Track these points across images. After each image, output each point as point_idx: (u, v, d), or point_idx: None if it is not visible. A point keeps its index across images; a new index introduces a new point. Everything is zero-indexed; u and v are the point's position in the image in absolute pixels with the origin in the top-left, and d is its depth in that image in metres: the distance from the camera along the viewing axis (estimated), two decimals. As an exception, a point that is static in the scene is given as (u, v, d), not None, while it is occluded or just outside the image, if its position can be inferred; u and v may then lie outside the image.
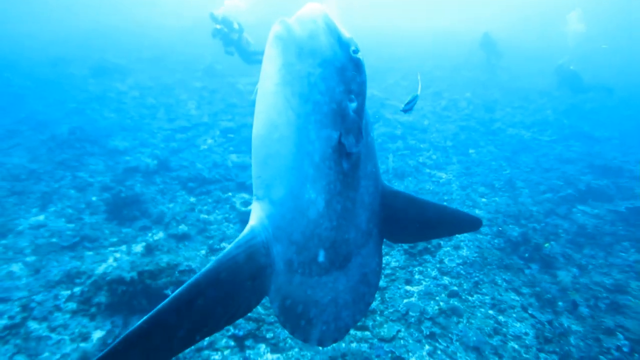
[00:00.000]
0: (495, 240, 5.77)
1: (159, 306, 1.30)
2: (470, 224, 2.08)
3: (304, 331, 1.77)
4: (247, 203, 6.10)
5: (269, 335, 3.69)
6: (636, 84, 17.57)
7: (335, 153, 1.59)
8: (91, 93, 12.08)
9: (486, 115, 11.18)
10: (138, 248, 5.32)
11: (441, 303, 4.14)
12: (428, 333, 3.67)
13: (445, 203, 6.77)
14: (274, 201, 1.60)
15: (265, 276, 1.59)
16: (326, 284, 1.76)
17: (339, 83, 1.57)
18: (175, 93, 12.80)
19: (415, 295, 4.27)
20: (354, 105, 1.61)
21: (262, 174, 1.62)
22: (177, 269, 4.24)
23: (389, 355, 3.40)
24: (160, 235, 5.68)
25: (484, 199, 6.95)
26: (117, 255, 5.15)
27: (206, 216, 6.20)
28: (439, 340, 3.61)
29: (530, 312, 4.25)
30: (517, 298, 4.47)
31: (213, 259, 1.60)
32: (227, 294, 1.45)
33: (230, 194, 6.87)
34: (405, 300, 4.15)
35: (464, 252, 5.07)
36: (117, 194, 6.19)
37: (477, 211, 6.46)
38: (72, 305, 4.04)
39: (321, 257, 1.69)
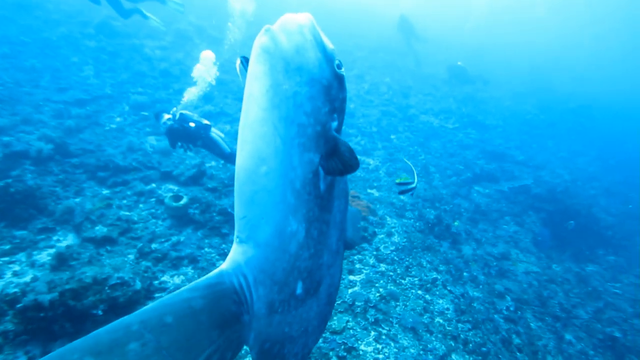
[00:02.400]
0: (417, 223, 6.52)
1: None
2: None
3: None
4: (177, 197, 5.59)
5: None
6: (510, 75, 20.96)
7: (315, 177, 1.53)
8: None
9: (403, 101, 12.10)
10: (44, 257, 4.48)
11: (381, 289, 4.59)
12: (373, 320, 4.07)
13: (375, 189, 7.30)
14: (259, 243, 1.51)
15: (241, 324, 1.48)
16: (301, 315, 1.75)
17: (325, 103, 1.48)
18: (63, 53, 10.51)
19: (358, 284, 4.63)
20: (335, 124, 1.55)
21: (247, 214, 1.50)
22: (107, 284, 3.75)
23: (342, 347, 3.69)
24: (71, 239, 4.87)
25: (406, 185, 7.71)
26: (16, 268, 4.27)
27: (128, 213, 5.50)
28: (382, 326, 4.04)
29: (448, 288, 5.03)
30: (438, 276, 5.23)
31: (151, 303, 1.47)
32: (179, 345, 1.18)
33: (154, 185, 6.18)
34: (350, 290, 4.48)
35: (396, 238, 5.62)
36: (5, 188, 5.01)
37: (401, 197, 7.14)
38: (-35, 342, 3.27)
39: (299, 289, 1.67)
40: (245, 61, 1.59)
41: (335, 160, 1.50)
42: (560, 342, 5.57)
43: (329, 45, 1.53)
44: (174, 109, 5.82)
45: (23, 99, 8.01)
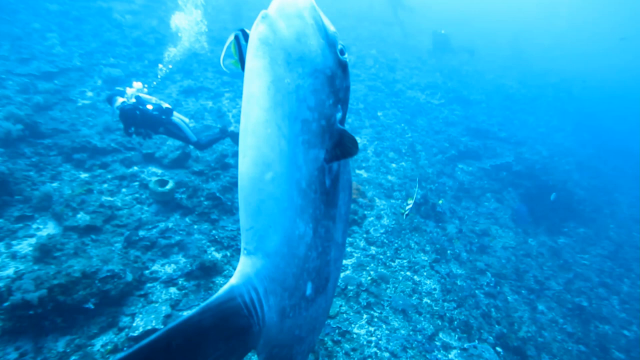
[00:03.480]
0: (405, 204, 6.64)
1: None
2: None
3: None
4: (163, 181, 5.40)
5: None
6: (495, 46, 20.90)
7: (321, 173, 1.47)
8: None
9: (389, 75, 11.90)
10: (25, 248, 4.30)
11: (371, 272, 4.72)
12: (365, 304, 4.21)
13: (363, 170, 7.31)
14: (268, 253, 1.48)
15: (251, 335, 1.51)
16: (311, 315, 1.75)
17: (329, 95, 1.41)
18: (21, 18, 9.54)
19: (349, 268, 4.73)
20: (339, 115, 1.48)
21: (254, 224, 1.46)
22: (97, 277, 3.66)
23: (336, 331, 3.82)
24: (52, 228, 4.66)
25: (394, 165, 7.75)
26: (-5, 261, 4.08)
27: (110, 198, 5.29)
28: (374, 309, 4.19)
29: (435, 268, 5.24)
30: (425, 257, 5.42)
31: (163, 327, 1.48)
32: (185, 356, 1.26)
33: (136, 168, 5.93)
34: (342, 274, 4.58)
35: (385, 220, 5.72)
36: (-28, 177, 4.69)
37: (389, 177, 7.20)
38: (-50, 343, 3.16)
39: (309, 290, 1.66)
40: (243, 35, 1.46)
41: (337, 150, 1.45)
42: (534, 312, 6.00)
43: (331, 27, 1.42)
44: (129, 89, 5.17)
45: (-19, 71, 7.32)
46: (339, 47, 1.43)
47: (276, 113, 1.32)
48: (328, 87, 1.38)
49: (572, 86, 18.29)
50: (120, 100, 5.08)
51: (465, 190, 8.49)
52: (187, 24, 11.20)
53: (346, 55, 1.44)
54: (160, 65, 8.85)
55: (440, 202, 7.24)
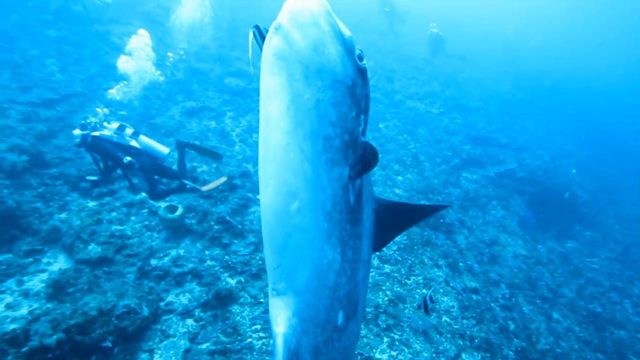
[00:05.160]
0: (413, 218, 6.63)
1: None
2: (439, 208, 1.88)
3: None
4: (172, 207, 5.36)
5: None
6: (488, 51, 21.16)
7: (345, 192, 1.38)
8: None
9: (388, 85, 11.99)
10: (37, 284, 4.23)
11: (388, 292, 4.67)
12: (385, 326, 4.16)
13: (369, 185, 7.31)
14: (298, 290, 1.38)
15: None
16: (343, 344, 1.64)
17: (351, 106, 1.30)
18: (21, 45, 9.56)
19: (365, 289, 4.69)
20: (361, 127, 1.39)
21: (282, 262, 1.36)
22: (113, 314, 3.60)
23: (358, 357, 3.76)
24: (63, 261, 4.60)
25: (400, 177, 7.75)
26: (9, 299, 4.01)
27: (120, 227, 5.24)
28: (394, 331, 4.14)
29: (451, 284, 5.20)
30: (440, 272, 5.38)
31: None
32: None
33: (144, 194, 5.87)
34: (359, 296, 4.54)
35: (397, 237, 5.69)
36: (-20, 213, 4.63)
37: (396, 190, 7.20)
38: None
39: (340, 319, 1.55)
40: (258, 32, 1.42)
41: (359, 165, 1.38)
42: (549, 322, 5.96)
43: (346, 32, 1.32)
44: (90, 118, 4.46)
45: (-17, 101, 7.30)
46: (357, 52, 1.32)
47: (297, 134, 1.23)
48: (349, 98, 1.29)
49: (566, 88, 18.52)
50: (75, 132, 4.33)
51: (471, 199, 8.49)
52: (184, 44, 11.28)
53: (365, 61, 1.35)
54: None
55: (449, 210, 7.22)
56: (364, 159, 1.37)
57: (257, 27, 1.42)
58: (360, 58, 1.33)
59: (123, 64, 6.99)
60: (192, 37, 11.98)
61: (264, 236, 1.37)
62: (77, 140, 4.22)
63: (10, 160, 5.67)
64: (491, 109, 12.83)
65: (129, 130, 4.54)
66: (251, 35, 1.43)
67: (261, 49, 1.31)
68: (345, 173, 1.34)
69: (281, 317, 1.38)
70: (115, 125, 4.48)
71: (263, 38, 1.34)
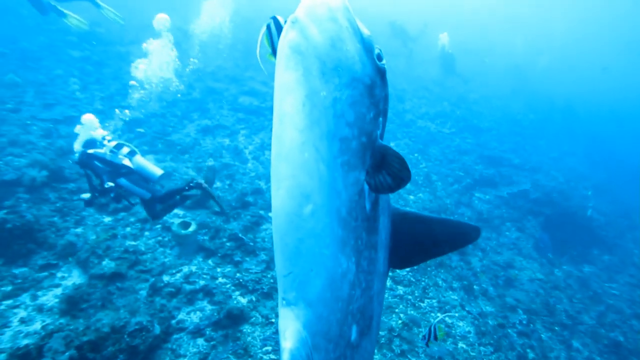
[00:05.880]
0: (426, 238, 6.54)
1: None
2: (472, 233, 1.70)
3: None
4: (185, 223, 5.40)
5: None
6: (498, 70, 21.26)
7: (361, 197, 1.30)
8: None
9: (399, 105, 12.10)
10: (50, 299, 4.25)
11: (401, 315, 4.56)
12: (399, 351, 4.04)
13: (381, 204, 7.27)
14: (310, 301, 1.30)
15: None
16: None
17: (370, 107, 1.25)
18: (46, 65, 10.00)
19: (378, 311, 4.59)
20: (379, 130, 1.33)
21: (293, 269, 1.29)
22: (126, 332, 3.58)
23: (372, 382, 3.64)
24: (77, 276, 4.63)
25: (412, 197, 7.71)
26: (22, 313, 4.03)
27: (134, 243, 5.28)
28: (409, 357, 4.02)
29: (467, 309, 5.06)
30: (455, 296, 5.25)
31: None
32: None
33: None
34: (372, 319, 4.44)
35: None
36: (1, 224, 4.73)
37: (409, 209, 7.14)
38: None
39: (354, 334, 1.46)
40: (275, 24, 1.39)
41: (383, 173, 1.27)
42: (569, 350, 5.71)
43: (365, 31, 1.29)
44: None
45: (8, 118, 7.58)
46: (376, 51, 1.29)
47: (313, 133, 1.17)
48: (368, 98, 1.23)
49: (578, 108, 18.41)
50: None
51: (485, 220, 8.36)
52: (199, 63, 11.63)
53: (384, 61, 1.30)
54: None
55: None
56: (389, 169, 1.26)
57: (274, 17, 1.41)
58: (380, 58, 1.30)
59: (141, 78, 7.20)
60: (209, 59, 12.37)
61: (274, 241, 1.32)
62: (76, 156, 4.40)
63: (31, 175, 5.83)
64: (503, 129, 12.79)
65: (125, 150, 4.56)
66: (262, 30, 1.44)
67: (276, 44, 1.29)
68: (362, 177, 1.27)
69: (290, 330, 1.31)
70: (113, 143, 4.55)
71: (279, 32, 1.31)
